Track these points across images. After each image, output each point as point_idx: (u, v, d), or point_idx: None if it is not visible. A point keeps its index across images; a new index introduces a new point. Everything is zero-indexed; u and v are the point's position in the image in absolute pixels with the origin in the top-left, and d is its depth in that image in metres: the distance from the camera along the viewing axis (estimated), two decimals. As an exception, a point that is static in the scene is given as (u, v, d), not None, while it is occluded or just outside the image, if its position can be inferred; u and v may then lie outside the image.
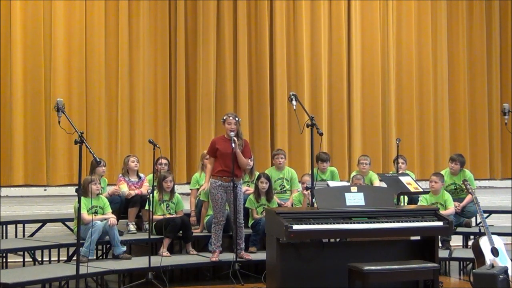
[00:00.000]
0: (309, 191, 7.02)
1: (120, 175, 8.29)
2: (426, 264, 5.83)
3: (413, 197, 8.51)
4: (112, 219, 7.36)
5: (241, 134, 7.48)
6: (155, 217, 7.59)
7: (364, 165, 8.93)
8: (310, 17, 10.08)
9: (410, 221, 6.01)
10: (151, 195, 7.21)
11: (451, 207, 8.08)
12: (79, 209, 5.91)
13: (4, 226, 8.00)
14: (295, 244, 6.01)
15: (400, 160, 8.97)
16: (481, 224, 7.09)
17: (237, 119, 7.38)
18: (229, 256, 7.31)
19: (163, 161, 8.23)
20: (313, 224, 5.81)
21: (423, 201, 8.17)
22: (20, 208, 8.71)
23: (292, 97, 6.93)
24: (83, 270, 6.18)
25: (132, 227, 8.02)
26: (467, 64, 10.72)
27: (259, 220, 7.73)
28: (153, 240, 7.70)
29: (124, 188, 8.12)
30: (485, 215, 7.76)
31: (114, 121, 9.25)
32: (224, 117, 7.40)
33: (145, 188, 8.19)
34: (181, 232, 7.68)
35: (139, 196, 8.06)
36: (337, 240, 6.74)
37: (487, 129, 10.72)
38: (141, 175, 8.41)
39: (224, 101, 9.65)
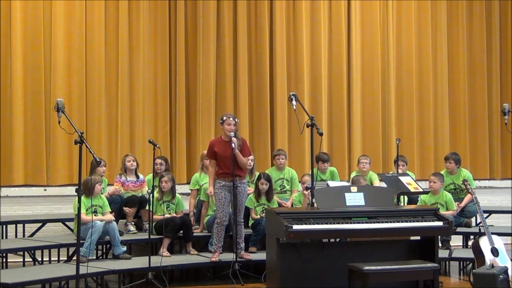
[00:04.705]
0: (309, 191, 7.01)
1: (118, 175, 8.28)
2: (426, 264, 5.84)
3: (413, 197, 8.51)
4: (109, 216, 7.37)
5: (239, 134, 7.48)
6: (155, 217, 7.59)
7: (364, 164, 8.92)
8: (310, 17, 10.07)
9: (410, 221, 6.02)
10: (151, 195, 7.21)
11: (452, 210, 8.06)
12: (78, 209, 5.91)
13: (4, 226, 8.00)
14: (295, 244, 6.01)
15: (401, 162, 8.97)
16: (481, 224, 7.08)
17: (236, 120, 7.37)
18: (229, 256, 7.31)
19: (158, 161, 8.13)
20: (313, 224, 5.81)
21: (422, 202, 8.16)
22: (20, 208, 8.71)
23: (292, 97, 6.93)
24: (83, 270, 6.18)
25: (132, 227, 8.01)
26: (467, 64, 10.71)
27: (260, 220, 7.73)
28: (153, 240, 7.70)
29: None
30: (485, 215, 7.76)
31: (114, 121, 9.25)
32: (224, 118, 7.37)
33: (145, 190, 8.19)
34: (181, 232, 7.68)
35: (137, 196, 8.06)
36: (337, 240, 6.74)
37: (487, 129, 10.71)
38: (140, 175, 8.39)
39: (224, 101, 9.65)
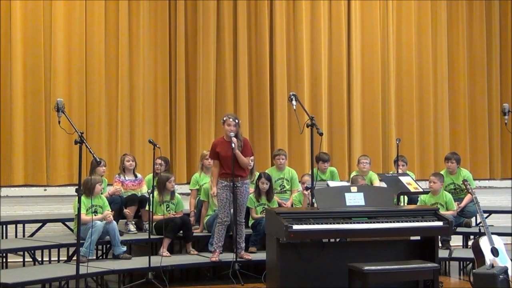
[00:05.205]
0: (309, 191, 7.02)
1: (117, 175, 8.28)
2: (426, 264, 5.84)
3: (413, 197, 8.51)
4: (109, 216, 7.36)
5: (241, 135, 7.48)
6: (155, 217, 7.59)
7: (364, 164, 8.93)
8: (310, 17, 10.07)
9: (410, 221, 6.02)
10: (151, 195, 7.21)
11: (452, 210, 8.06)
12: (78, 209, 5.91)
13: (4, 226, 8.00)
14: (295, 244, 6.01)
15: (401, 162, 8.97)
16: (481, 224, 7.08)
17: (237, 121, 7.37)
18: (229, 256, 7.31)
19: (158, 161, 8.12)
20: (313, 224, 5.81)
21: (422, 202, 8.16)
22: (20, 208, 8.70)
23: (292, 97, 6.93)
24: (83, 270, 6.18)
25: (132, 227, 8.01)
26: (467, 64, 10.71)
27: (260, 220, 7.73)
28: (153, 240, 7.70)
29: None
30: (485, 215, 7.76)
31: (114, 121, 9.25)
32: (224, 118, 7.37)
33: (144, 189, 8.20)
34: (181, 232, 7.68)
35: (137, 195, 8.06)
36: (337, 240, 6.74)
37: (487, 129, 10.71)
38: (138, 174, 8.38)
39: (224, 101, 9.65)
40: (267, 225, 6.30)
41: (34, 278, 6.36)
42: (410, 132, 10.37)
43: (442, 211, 7.58)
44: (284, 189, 8.54)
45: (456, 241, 8.34)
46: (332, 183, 7.53)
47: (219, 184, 7.33)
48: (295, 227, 5.71)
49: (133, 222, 8.09)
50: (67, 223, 8.17)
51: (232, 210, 7.34)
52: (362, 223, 5.93)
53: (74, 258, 6.87)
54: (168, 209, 7.88)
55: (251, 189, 8.15)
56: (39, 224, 8.13)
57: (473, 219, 8.58)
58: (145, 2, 9.39)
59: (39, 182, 8.87)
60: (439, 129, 10.53)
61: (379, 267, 5.66)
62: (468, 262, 7.90)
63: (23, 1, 8.91)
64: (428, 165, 10.32)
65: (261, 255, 7.12)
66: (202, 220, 8.08)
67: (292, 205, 8.23)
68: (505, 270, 6.02)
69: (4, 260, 7.69)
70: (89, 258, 6.93)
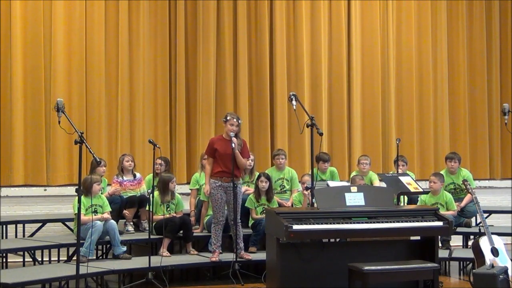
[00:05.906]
0: (309, 191, 7.02)
1: (115, 176, 8.27)
2: (426, 264, 5.84)
3: (413, 197, 8.51)
4: (106, 215, 7.37)
5: (240, 135, 7.48)
6: (155, 217, 7.58)
7: (364, 165, 8.93)
8: (310, 17, 10.07)
9: (410, 221, 6.02)
10: (151, 195, 7.21)
11: (452, 211, 8.07)
12: (78, 209, 5.91)
13: (4, 226, 8.00)
14: (295, 244, 6.01)
15: (401, 162, 8.97)
16: (481, 224, 7.08)
17: (240, 121, 7.38)
18: (229, 256, 7.31)
19: (158, 161, 8.12)
20: (313, 224, 5.81)
21: (422, 202, 8.16)
22: (20, 208, 8.71)
23: (292, 97, 6.94)
24: (83, 270, 6.19)
25: (130, 227, 8.01)
26: (467, 64, 10.71)
27: (260, 220, 7.72)
28: (153, 240, 7.70)
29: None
30: (485, 215, 7.76)
31: (114, 121, 9.25)
32: (228, 118, 7.36)
33: (144, 188, 8.19)
34: (181, 232, 7.68)
35: (136, 196, 8.06)
36: (337, 240, 6.74)
37: (487, 129, 10.71)
38: (137, 174, 8.37)
39: (224, 101, 9.66)
40: (267, 225, 6.30)
41: (34, 278, 6.36)
42: (410, 132, 10.37)
43: (442, 211, 7.58)
44: (284, 189, 8.54)
45: (456, 241, 8.34)
46: (332, 183, 7.53)
47: (213, 184, 7.32)
48: (295, 227, 5.71)
49: (131, 223, 8.09)
50: (67, 223, 8.18)
51: (228, 209, 7.35)
52: (362, 223, 5.93)
53: (74, 258, 6.87)
54: (168, 209, 7.88)
55: (250, 189, 8.17)
56: (39, 224, 8.14)
57: (473, 219, 8.58)
58: (145, 2, 9.39)
59: (39, 182, 8.87)
60: (439, 129, 10.53)
61: (379, 267, 5.66)
62: (468, 262, 7.90)
63: (23, 1, 8.91)
64: (428, 165, 10.32)
65: (261, 255, 7.12)
66: (202, 220, 8.08)
67: (292, 205, 8.23)
68: (505, 270, 6.02)
69: (4, 260, 7.69)
70: (89, 258, 6.93)
